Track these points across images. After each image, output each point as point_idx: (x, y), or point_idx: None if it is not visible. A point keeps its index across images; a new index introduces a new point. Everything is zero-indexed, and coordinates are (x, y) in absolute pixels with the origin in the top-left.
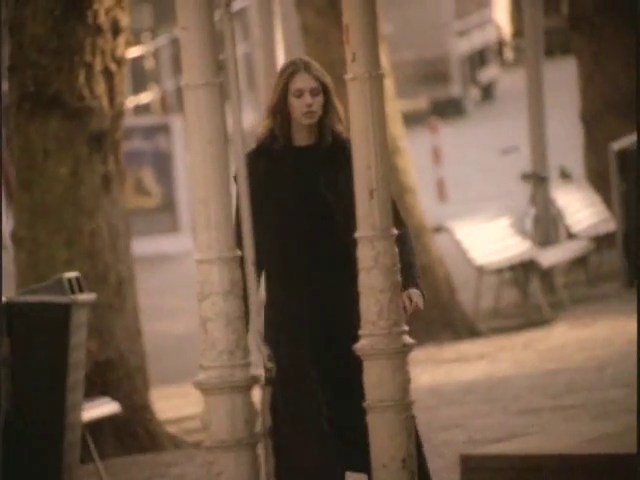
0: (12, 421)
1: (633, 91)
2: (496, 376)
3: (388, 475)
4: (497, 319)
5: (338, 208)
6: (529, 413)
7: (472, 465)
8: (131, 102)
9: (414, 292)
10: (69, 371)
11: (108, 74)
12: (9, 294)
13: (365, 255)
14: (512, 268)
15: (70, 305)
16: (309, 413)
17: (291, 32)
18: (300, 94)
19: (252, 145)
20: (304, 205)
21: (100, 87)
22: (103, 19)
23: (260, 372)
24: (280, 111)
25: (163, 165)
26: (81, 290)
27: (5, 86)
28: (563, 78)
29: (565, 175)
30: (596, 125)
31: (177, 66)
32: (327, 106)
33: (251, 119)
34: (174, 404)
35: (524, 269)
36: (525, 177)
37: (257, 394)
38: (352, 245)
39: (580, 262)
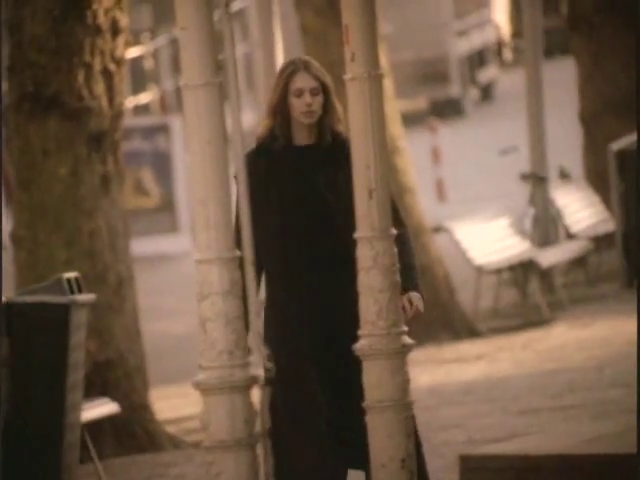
0: (11, 421)
1: (632, 91)
2: (495, 376)
3: (387, 475)
4: (496, 319)
5: (338, 208)
6: (528, 413)
7: (471, 465)
8: (130, 102)
9: (414, 295)
10: (68, 371)
11: (107, 74)
12: (8, 294)
13: (364, 255)
14: (511, 268)
15: (69, 305)
16: (308, 413)
17: (290, 32)
18: (300, 94)
19: (252, 145)
20: (304, 205)
21: (99, 87)
22: (102, 19)
23: (259, 372)
24: (280, 111)
25: (162, 165)
26: (80, 290)
27: (4, 86)
28: (562, 78)
29: (564, 175)
30: (595, 125)
31: (176, 66)
32: (327, 106)
33: (250, 119)
34: (173, 404)
35: (523, 269)
36: (524, 177)
37: (256, 394)
38: (352, 245)
39: (579, 262)
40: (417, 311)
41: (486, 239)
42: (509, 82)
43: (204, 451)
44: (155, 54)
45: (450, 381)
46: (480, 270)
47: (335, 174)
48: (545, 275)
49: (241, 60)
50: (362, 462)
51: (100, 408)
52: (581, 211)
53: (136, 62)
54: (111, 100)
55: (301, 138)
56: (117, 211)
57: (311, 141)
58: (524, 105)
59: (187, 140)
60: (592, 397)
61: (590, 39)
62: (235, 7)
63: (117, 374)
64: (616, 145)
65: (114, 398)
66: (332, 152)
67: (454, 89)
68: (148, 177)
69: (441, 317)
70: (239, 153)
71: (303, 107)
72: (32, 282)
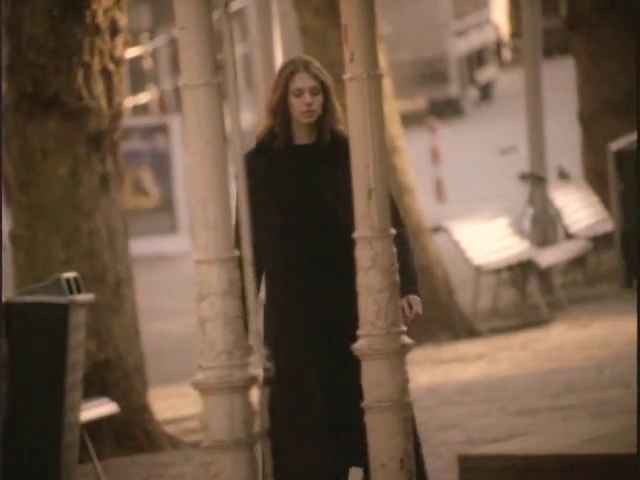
0: (11, 421)
1: (631, 91)
2: (494, 376)
3: (386, 475)
4: (495, 319)
5: (338, 207)
6: (527, 413)
7: (470, 465)
8: (129, 102)
9: (414, 298)
10: (67, 371)
11: (106, 74)
12: (8, 294)
13: (363, 255)
14: (510, 268)
15: (68, 305)
16: (307, 413)
17: (289, 32)
18: (300, 93)
19: (251, 145)
20: (304, 204)
21: (98, 87)
22: (101, 19)
23: (259, 372)
24: (280, 110)
25: (161, 165)
26: (79, 290)
27: (3, 86)
28: (561, 78)
29: (563, 175)
30: (594, 125)
31: (175, 66)
32: (327, 105)
33: (249, 119)
34: (172, 404)
35: (522, 269)
36: (523, 177)
37: (255, 394)
38: (352, 245)
39: (578, 262)
40: (416, 314)
41: (485, 239)
42: (508, 82)
43: (203, 451)
44: (154, 54)
45: (449, 381)
46: (479, 270)
47: (335, 173)
48: (544, 275)
49: (240, 60)
50: (361, 462)
51: (99, 408)
52: (580, 211)
53: (135, 62)
54: (110, 100)
55: (301, 138)
56: (116, 211)
57: (311, 141)
58: (523, 105)
59: (186, 140)
60: (591, 397)
61: (589, 39)
62: (234, 7)
63: (116, 374)
64: (615, 145)
65: (113, 398)
66: (332, 151)
67: (453, 89)
68: (147, 177)
69: (440, 317)
70: (238, 153)
71: (303, 107)
72: (31, 282)
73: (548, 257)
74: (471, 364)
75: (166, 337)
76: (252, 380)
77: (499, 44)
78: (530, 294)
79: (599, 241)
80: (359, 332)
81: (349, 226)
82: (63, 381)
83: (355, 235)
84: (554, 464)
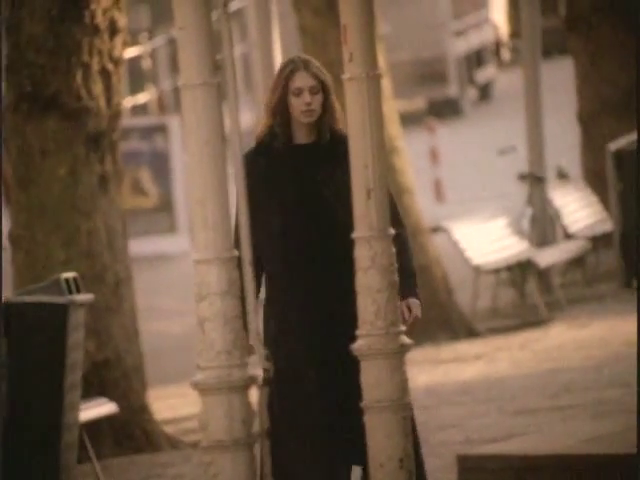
0: (10, 421)
1: (630, 91)
2: (493, 376)
3: (385, 475)
4: (494, 319)
5: (338, 207)
6: (526, 413)
7: (469, 465)
8: (128, 102)
9: (413, 302)
10: (66, 371)
11: (105, 74)
12: (7, 294)
13: (362, 255)
14: (509, 268)
15: (67, 305)
16: (307, 413)
17: (288, 32)
18: (299, 93)
19: (250, 145)
20: (304, 204)
21: (97, 87)
22: (100, 19)
23: (258, 372)
24: (280, 110)
25: (160, 165)
26: (78, 290)
27: (3, 86)
28: (560, 78)
29: (562, 175)
30: (593, 125)
31: (174, 66)
32: (326, 104)
33: (248, 119)
34: (171, 404)
35: (521, 269)
36: (522, 177)
37: (255, 394)
38: (352, 244)
39: (577, 262)
40: (416, 318)
41: (484, 239)
42: (507, 82)
43: (202, 451)
44: (153, 54)
45: (448, 381)
46: (478, 270)
47: (334, 173)
48: (543, 275)
49: (239, 60)
50: (361, 462)
51: (98, 408)
52: (579, 211)
53: (134, 62)
54: (109, 100)
55: (301, 137)
56: (115, 211)
57: (311, 140)
58: (522, 105)
59: (185, 140)
60: (590, 397)
61: (588, 39)
62: (233, 7)
63: (115, 374)
64: (614, 145)
65: (112, 398)
66: (332, 151)
67: (452, 89)
68: (146, 177)
69: (439, 317)
70: (237, 153)
71: (302, 106)
72: (30, 282)
73: (547, 257)
74: (470, 364)
75: (165, 337)
76: (251, 380)
77: (498, 44)
78: (529, 294)
79: (598, 241)
80: (358, 332)
81: (349, 226)
82: (62, 381)
83: (354, 235)
84: (553, 464)
